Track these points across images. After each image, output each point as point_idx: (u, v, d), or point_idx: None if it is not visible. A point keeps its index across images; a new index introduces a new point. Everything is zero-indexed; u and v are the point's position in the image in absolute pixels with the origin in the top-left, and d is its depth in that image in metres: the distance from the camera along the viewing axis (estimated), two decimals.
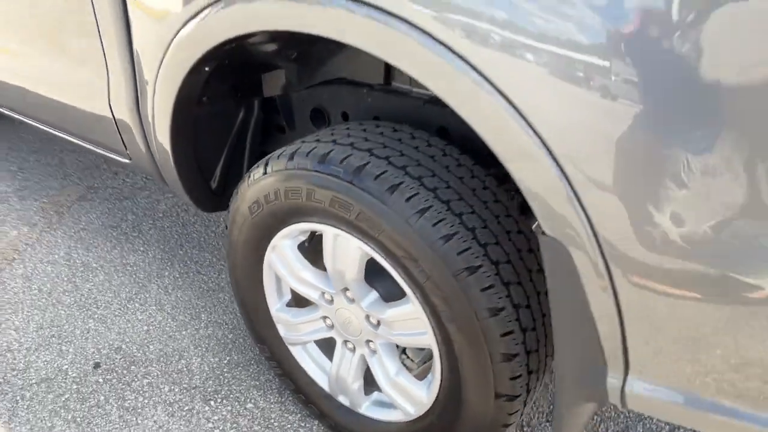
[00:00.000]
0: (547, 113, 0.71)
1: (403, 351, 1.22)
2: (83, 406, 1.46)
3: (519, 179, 0.77)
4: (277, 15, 0.90)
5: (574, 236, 0.74)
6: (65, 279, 1.90)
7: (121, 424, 1.41)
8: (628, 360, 0.81)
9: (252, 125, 1.39)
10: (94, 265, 1.97)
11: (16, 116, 1.85)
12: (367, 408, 1.26)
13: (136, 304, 1.79)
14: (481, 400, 1.01)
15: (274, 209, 1.12)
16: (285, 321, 1.30)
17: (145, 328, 1.70)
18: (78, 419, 1.42)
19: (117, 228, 2.18)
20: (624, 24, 0.64)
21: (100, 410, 1.45)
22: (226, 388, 1.50)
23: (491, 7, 0.71)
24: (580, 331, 0.81)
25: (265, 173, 1.11)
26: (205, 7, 0.97)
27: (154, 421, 1.42)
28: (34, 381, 1.53)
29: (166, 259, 2.01)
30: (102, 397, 1.48)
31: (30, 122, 1.79)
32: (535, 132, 0.71)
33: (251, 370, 1.55)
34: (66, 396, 1.49)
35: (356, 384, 1.24)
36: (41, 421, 1.42)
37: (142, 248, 2.06)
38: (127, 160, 1.48)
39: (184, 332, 1.68)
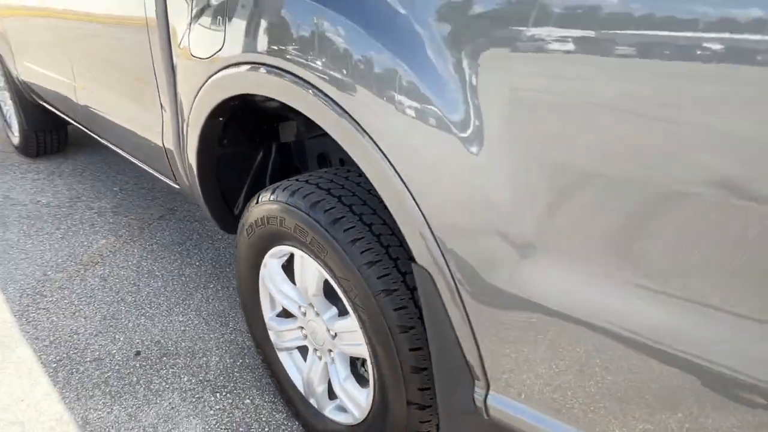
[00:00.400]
0: (403, 156, 0.91)
1: (362, 363, 1.41)
2: (119, 383, 1.78)
3: (393, 213, 0.97)
4: (241, 83, 1.19)
5: (433, 263, 0.93)
6: (131, 282, 2.29)
7: (143, 401, 1.71)
8: (487, 376, 0.97)
9: (270, 165, 1.68)
10: (157, 273, 2.35)
11: (103, 142, 2.30)
12: (329, 411, 1.46)
13: (181, 308, 2.12)
14: (398, 407, 1.18)
15: (262, 232, 1.39)
16: (275, 329, 1.54)
17: (183, 328, 2.02)
18: (112, 393, 1.74)
19: (182, 245, 2.56)
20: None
21: (130, 389, 1.76)
22: (232, 385, 1.76)
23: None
24: (450, 348, 0.98)
25: (257, 203, 1.38)
26: (212, 75, 1.28)
27: (169, 403, 1.70)
28: (88, 359, 1.88)
29: (215, 274, 2.34)
30: (135, 378, 1.80)
31: (112, 148, 2.23)
32: (396, 172, 0.92)
33: (256, 374, 1.80)
34: (108, 374, 1.82)
35: (320, 388, 1.45)
36: (86, 390, 1.75)
37: (197, 263, 2.42)
38: (176, 186, 1.83)
39: (212, 335, 1.98)
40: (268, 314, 1.55)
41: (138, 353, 1.91)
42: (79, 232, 2.69)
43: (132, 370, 1.83)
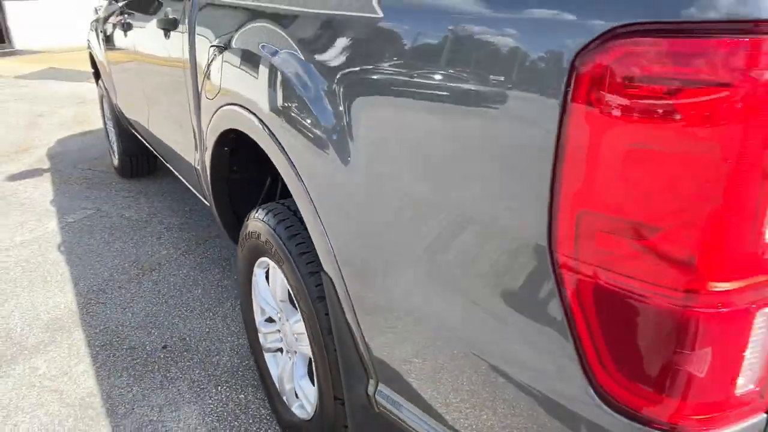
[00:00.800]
0: (309, 176, 1.12)
1: None
2: (143, 369, 2.08)
3: (308, 227, 1.17)
4: (227, 120, 1.46)
5: (333, 271, 1.12)
6: (177, 288, 2.62)
7: (158, 385, 1.99)
8: (375, 372, 1.13)
9: (279, 188, 1.94)
10: (200, 282, 2.67)
11: (167, 165, 2.70)
12: (295, 407, 1.65)
13: (211, 313, 2.42)
14: (330, 403, 1.36)
15: (250, 245, 1.63)
16: (262, 331, 1.77)
17: (207, 330, 2.31)
18: (135, 376, 2.04)
19: (227, 260, 2.88)
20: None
21: (151, 374, 2.05)
22: (233, 381, 2.00)
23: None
24: (349, 346, 1.16)
25: (248, 219, 1.63)
26: (215, 112, 1.57)
27: (177, 389, 1.97)
28: (125, 347, 2.21)
29: None
30: (156, 366, 2.09)
31: (172, 169, 2.61)
32: (306, 189, 1.13)
33: (256, 375, 2.03)
34: (137, 361, 2.13)
35: (289, 386, 1.65)
36: (117, 371, 2.07)
37: (236, 276, 2.72)
38: (208, 203, 2.14)
39: (229, 338, 2.24)
40: (258, 318, 1.79)
41: (165, 346, 2.21)
42: (147, 242, 3.10)
43: (156, 359, 2.13)
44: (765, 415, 0.67)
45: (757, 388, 0.64)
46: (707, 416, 0.63)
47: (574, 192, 0.63)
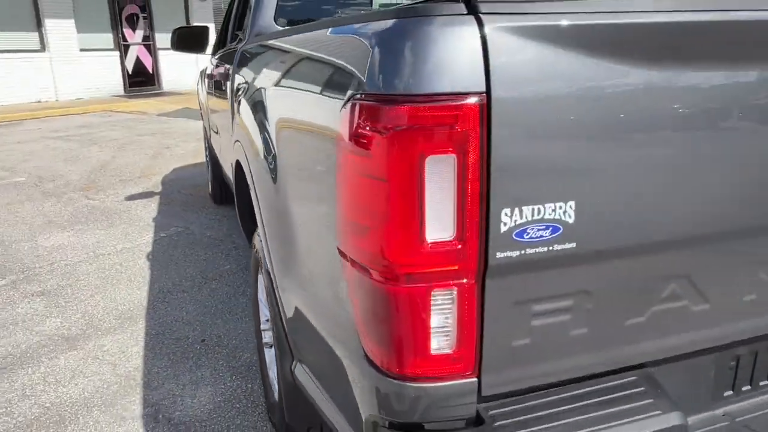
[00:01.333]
0: (260, 197, 1.47)
1: None
2: (181, 356, 2.51)
3: (261, 231, 1.52)
4: (235, 153, 1.85)
5: (269, 265, 1.45)
6: (228, 296, 3.08)
7: (187, 369, 2.41)
8: (294, 350, 1.43)
9: None
10: (247, 293, 3.11)
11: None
12: (275, 393, 1.98)
13: (247, 319, 2.83)
14: (280, 384, 1.67)
15: (254, 257, 2.01)
16: (262, 329, 2.13)
17: (240, 331, 2.71)
18: (173, 360, 2.48)
19: None
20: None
21: (185, 360, 2.48)
22: (247, 374, 2.37)
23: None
24: (281, 330, 1.47)
25: (254, 236, 2.02)
26: (233, 145, 1.99)
27: (201, 374, 2.37)
28: (173, 338, 2.67)
29: None
30: (191, 355, 2.52)
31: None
32: (256, 195, 1.47)
33: None
34: (178, 349, 2.57)
35: (271, 374, 1.99)
36: (160, 355, 2.52)
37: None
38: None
39: (255, 340, 2.63)
40: (261, 319, 2.15)
41: (203, 340, 2.64)
42: (217, 258, 3.62)
43: (193, 350, 2.56)
44: (476, 380, 0.89)
45: (453, 354, 0.86)
46: (418, 370, 0.87)
47: (339, 203, 0.92)
